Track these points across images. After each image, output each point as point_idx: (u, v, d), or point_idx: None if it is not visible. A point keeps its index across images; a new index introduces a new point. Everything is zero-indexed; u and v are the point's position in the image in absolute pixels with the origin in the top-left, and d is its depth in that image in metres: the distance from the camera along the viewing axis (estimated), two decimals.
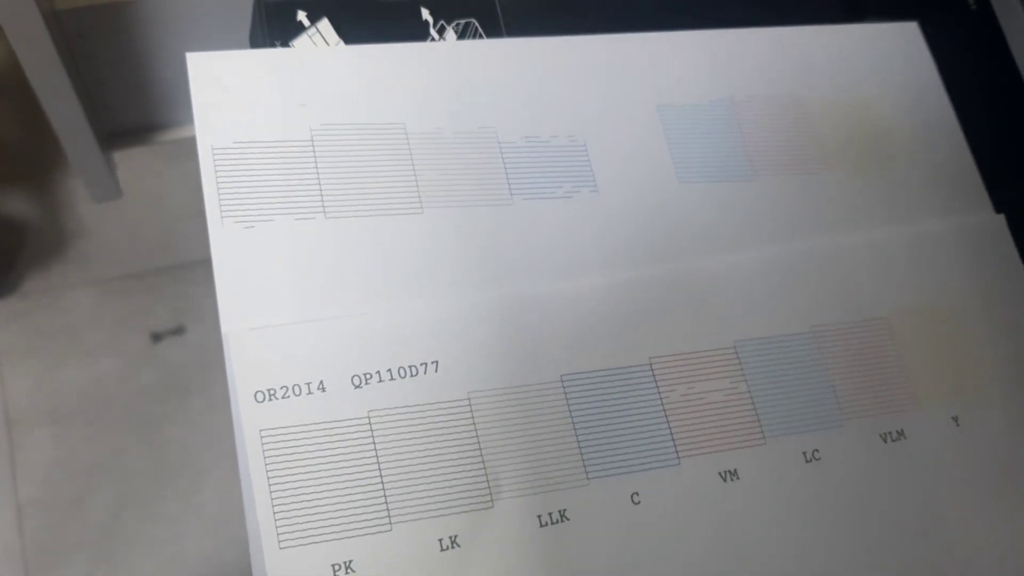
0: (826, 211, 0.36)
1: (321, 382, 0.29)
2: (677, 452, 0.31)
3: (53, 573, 0.79)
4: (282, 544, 0.27)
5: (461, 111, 0.34)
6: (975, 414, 0.34)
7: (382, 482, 0.29)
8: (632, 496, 0.30)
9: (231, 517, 0.81)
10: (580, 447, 0.30)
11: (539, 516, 0.29)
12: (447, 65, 0.34)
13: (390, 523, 0.28)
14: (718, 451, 0.31)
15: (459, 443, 0.29)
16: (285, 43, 0.34)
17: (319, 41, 0.34)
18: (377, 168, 0.32)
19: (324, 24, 0.35)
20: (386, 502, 0.28)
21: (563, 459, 0.30)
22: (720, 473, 0.31)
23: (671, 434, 0.31)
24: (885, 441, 0.33)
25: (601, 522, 0.30)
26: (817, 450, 0.32)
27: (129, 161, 0.70)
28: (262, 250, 0.30)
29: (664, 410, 0.31)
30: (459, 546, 0.29)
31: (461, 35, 0.36)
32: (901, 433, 0.33)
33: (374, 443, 0.29)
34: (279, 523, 0.28)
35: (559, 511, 0.30)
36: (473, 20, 0.36)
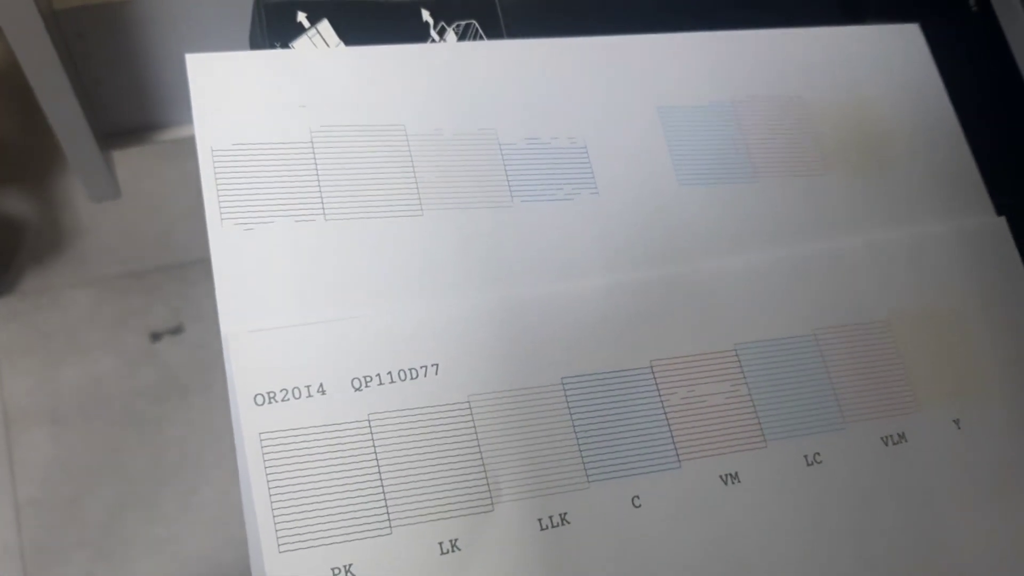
0: (827, 213, 0.36)
1: (321, 385, 0.29)
2: (678, 455, 0.31)
3: (51, 572, 0.79)
4: (282, 547, 0.27)
5: (461, 112, 0.34)
6: (976, 417, 0.34)
7: (382, 485, 0.28)
8: (633, 499, 0.30)
9: (230, 516, 0.81)
10: (580, 450, 0.30)
11: (539, 519, 0.29)
12: (447, 66, 0.34)
13: (390, 526, 0.28)
14: (719, 454, 0.31)
15: (459, 446, 0.29)
16: (285, 44, 0.34)
17: (319, 42, 0.34)
18: (377, 170, 0.32)
19: (324, 25, 0.34)
20: (386, 505, 0.28)
21: (563, 462, 0.30)
22: (721, 476, 0.31)
23: (672, 437, 0.31)
24: (886, 444, 0.33)
25: (602, 525, 0.30)
26: (818, 453, 0.32)
27: (128, 160, 0.70)
28: (262, 252, 0.30)
29: (665, 413, 0.31)
30: (459, 549, 0.28)
31: (462, 36, 0.36)
32: (902, 436, 0.33)
33: (374, 446, 0.29)
34: (279, 526, 0.27)
35: (559, 514, 0.29)
36: (473, 21, 0.36)
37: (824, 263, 0.35)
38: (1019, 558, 0.33)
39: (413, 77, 0.34)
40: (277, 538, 0.27)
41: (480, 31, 0.36)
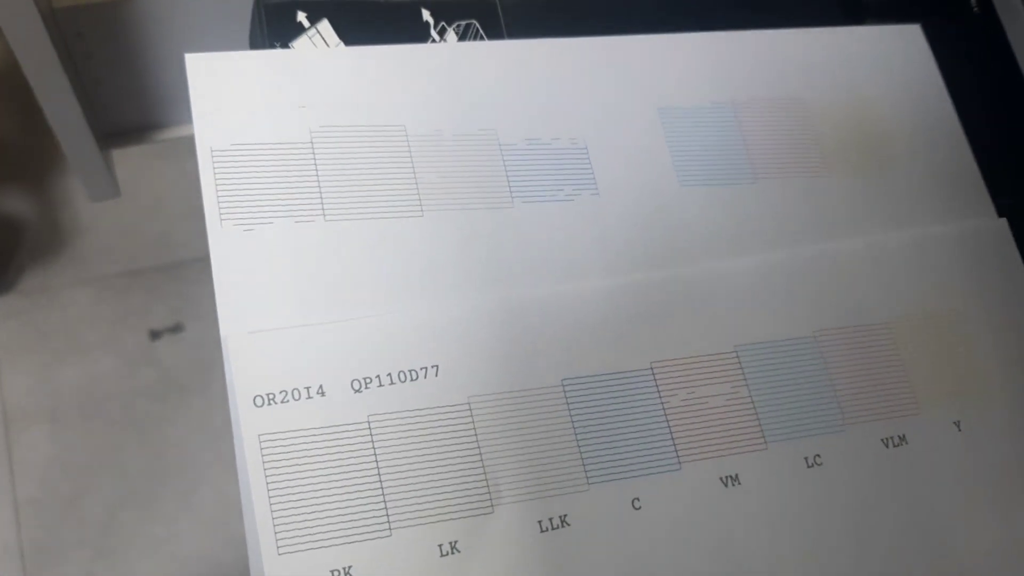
0: (827, 214, 0.36)
1: (320, 386, 0.29)
2: (678, 457, 0.31)
3: (51, 571, 0.78)
4: (281, 550, 0.27)
5: (462, 113, 0.34)
6: (977, 419, 0.34)
7: (382, 487, 0.28)
8: (633, 501, 0.30)
9: (229, 516, 0.81)
10: (581, 452, 0.30)
11: (539, 521, 0.29)
12: (448, 67, 0.34)
13: (390, 529, 0.28)
14: (719, 456, 0.31)
15: (459, 448, 0.29)
16: (285, 44, 0.34)
17: (319, 42, 0.34)
18: (377, 170, 0.32)
19: (324, 25, 0.34)
20: (386, 507, 0.28)
21: (564, 464, 0.30)
22: (721, 478, 0.31)
23: (672, 439, 0.31)
24: (887, 446, 0.33)
25: (602, 527, 0.30)
26: (819, 455, 0.32)
27: (127, 160, 0.70)
28: (261, 253, 0.30)
29: (665, 414, 0.31)
30: (459, 552, 0.28)
31: (462, 37, 0.36)
32: (903, 438, 0.33)
33: (374, 448, 0.29)
34: (278, 528, 0.27)
35: (560, 516, 0.29)
36: (474, 21, 0.36)
37: (824, 264, 0.35)
38: (1020, 559, 0.33)
39: (413, 77, 0.34)
40: (276, 540, 0.27)
41: (481, 31, 0.36)
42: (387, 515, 0.28)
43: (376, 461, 0.29)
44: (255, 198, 0.31)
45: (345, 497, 0.28)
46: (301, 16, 0.34)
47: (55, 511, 0.80)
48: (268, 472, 0.28)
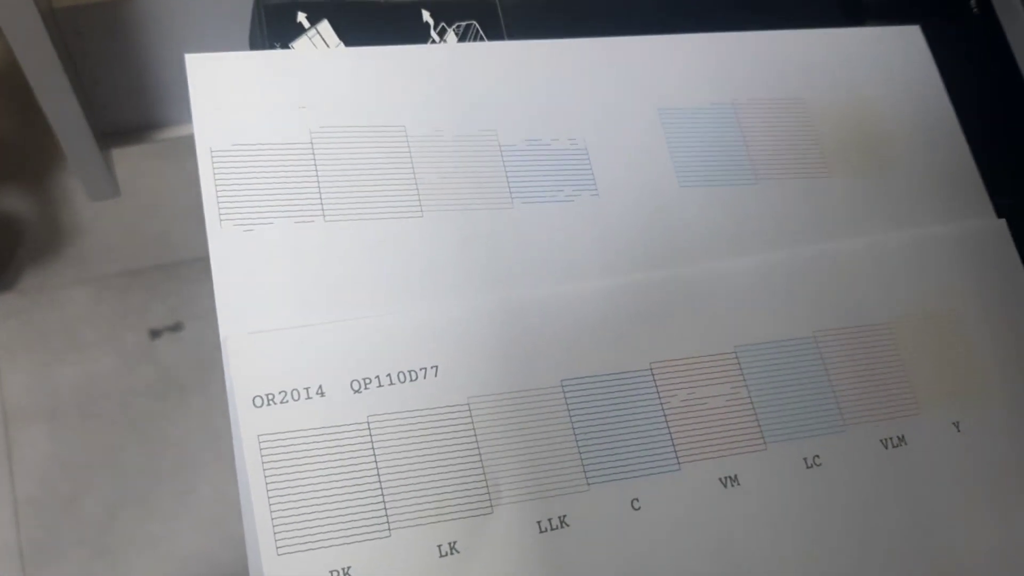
0: (827, 214, 0.36)
1: (320, 387, 0.29)
2: (678, 457, 0.31)
3: (49, 570, 0.79)
4: (280, 550, 0.27)
5: (462, 114, 0.34)
6: (977, 420, 0.34)
7: (381, 488, 0.28)
8: (632, 502, 0.30)
9: (227, 515, 0.81)
10: (580, 452, 0.30)
11: (539, 522, 0.29)
12: (448, 67, 0.34)
13: (389, 529, 0.28)
14: (719, 456, 0.31)
15: (459, 448, 0.29)
16: (285, 45, 0.34)
17: (319, 43, 0.34)
18: (377, 171, 0.32)
19: (324, 26, 0.34)
20: (385, 508, 0.28)
21: (563, 464, 0.30)
22: (721, 479, 0.31)
23: (672, 439, 0.31)
24: (886, 447, 0.33)
25: (601, 528, 0.30)
26: (818, 456, 0.32)
27: (127, 159, 0.70)
28: (261, 253, 0.30)
29: (665, 415, 0.31)
30: (458, 552, 0.28)
31: (462, 37, 0.36)
32: (902, 439, 0.33)
33: (373, 448, 0.29)
34: (277, 529, 0.27)
35: (559, 517, 0.29)
36: (474, 22, 0.36)
37: (824, 265, 0.35)
38: (1020, 559, 0.33)
39: (413, 78, 0.34)
40: (275, 540, 0.27)
41: (480, 32, 0.36)
42: (386, 515, 0.28)
43: (375, 461, 0.29)
44: (255, 198, 0.31)
45: (344, 497, 0.28)
46: (301, 17, 0.34)
47: (54, 510, 0.80)
48: (267, 473, 0.28)
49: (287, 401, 0.29)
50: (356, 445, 0.29)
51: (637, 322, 0.32)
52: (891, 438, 0.33)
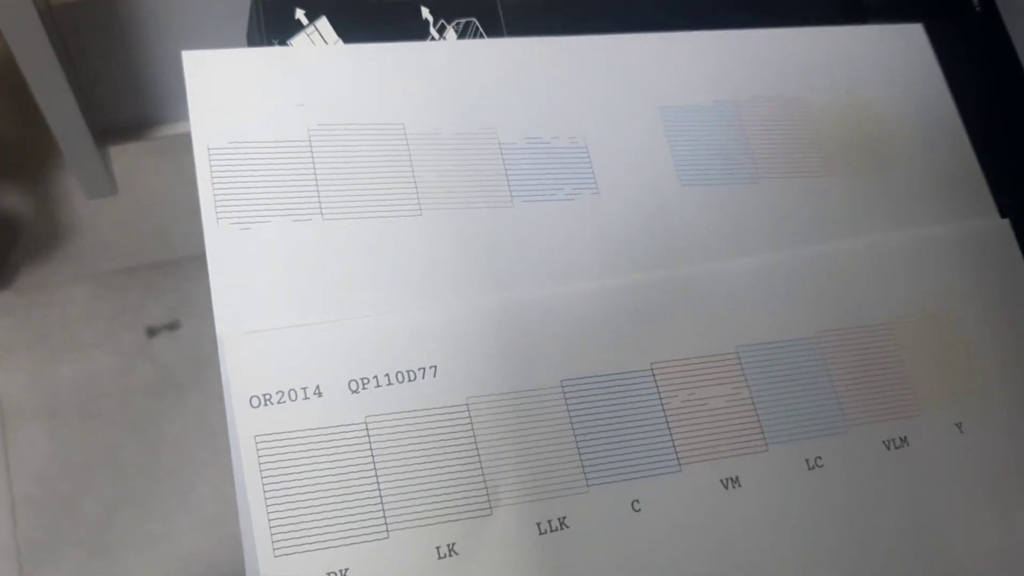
0: (828, 214, 0.35)
1: (318, 387, 0.29)
2: (678, 459, 0.31)
3: (47, 569, 0.78)
4: (277, 552, 0.27)
5: (461, 111, 0.33)
6: (979, 420, 0.34)
7: (379, 489, 0.28)
8: (632, 503, 0.30)
9: (226, 514, 0.80)
10: (580, 453, 0.30)
11: (538, 524, 0.29)
12: (447, 65, 0.34)
13: (387, 531, 0.28)
14: (720, 458, 0.31)
15: (457, 449, 0.29)
16: (283, 42, 0.34)
17: (317, 40, 0.34)
18: (375, 169, 0.32)
19: (322, 23, 0.34)
20: (383, 509, 0.28)
21: (563, 466, 0.30)
22: (722, 480, 0.31)
23: (672, 440, 0.31)
24: (888, 448, 0.33)
25: (601, 530, 0.29)
26: (820, 457, 0.32)
27: (124, 156, 0.70)
28: (258, 252, 0.30)
29: (665, 416, 0.31)
30: (457, 554, 0.28)
31: (461, 34, 0.35)
32: (904, 440, 0.33)
33: (371, 449, 0.28)
34: (274, 530, 0.27)
35: (558, 518, 0.29)
36: (474, 19, 0.36)
37: (825, 265, 0.34)
38: (1020, 560, 0.32)
39: (412, 76, 0.33)
40: (272, 542, 0.27)
41: (480, 29, 0.36)
42: (384, 517, 0.28)
43: (373, 462, 0.28)
44: (252, 197, 0.30)
45: (342, 498, 0.28)
46: (299, 13, 0.34)
47: (52, 509, 0.80)
48: (264, 473, 0.28)
49: (284, 401, 0.28)
50: (354, 446, 0.28)
51: (637, 322, 0.32)
52: (893, 439, 0.33)
